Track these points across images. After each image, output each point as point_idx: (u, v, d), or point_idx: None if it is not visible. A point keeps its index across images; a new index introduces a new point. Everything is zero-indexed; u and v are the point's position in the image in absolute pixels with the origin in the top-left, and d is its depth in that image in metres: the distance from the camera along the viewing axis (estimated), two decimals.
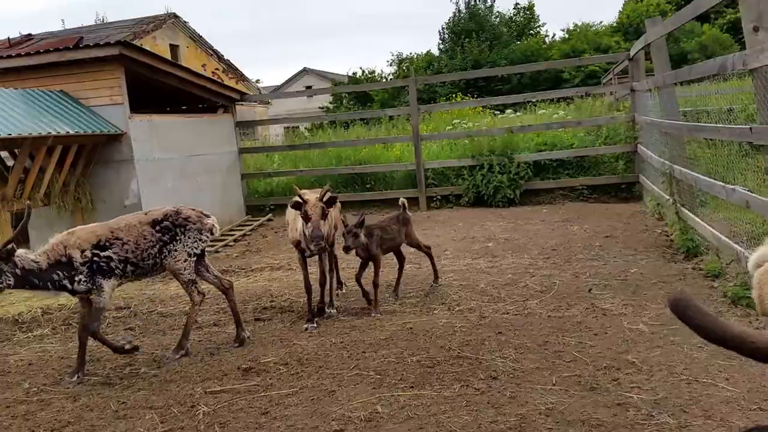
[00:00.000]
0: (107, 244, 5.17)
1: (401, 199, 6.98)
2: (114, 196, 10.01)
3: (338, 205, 6.58)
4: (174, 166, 10.91)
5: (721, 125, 6.05)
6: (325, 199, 5.76)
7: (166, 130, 10.91)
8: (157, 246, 5.38)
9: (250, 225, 12.13)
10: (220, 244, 10.69)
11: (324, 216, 5.69)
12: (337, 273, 7.13)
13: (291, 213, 6.30)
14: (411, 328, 5.64)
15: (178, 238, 5.47)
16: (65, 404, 4.62)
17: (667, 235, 8.18)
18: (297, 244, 6.26)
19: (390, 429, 3.82)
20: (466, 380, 4.44)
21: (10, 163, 9.61)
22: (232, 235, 11.32)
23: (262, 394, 4.53)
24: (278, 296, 7.14)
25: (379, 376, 4.63)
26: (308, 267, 6.40)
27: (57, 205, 9.50)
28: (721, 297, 5.64)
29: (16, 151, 9.27)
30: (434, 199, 12.62)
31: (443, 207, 12.48)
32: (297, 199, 5.82)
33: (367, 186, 13.32)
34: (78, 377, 5.08)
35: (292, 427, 3.97)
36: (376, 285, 6.29)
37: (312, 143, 14.99)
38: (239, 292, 7.44)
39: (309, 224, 5.63)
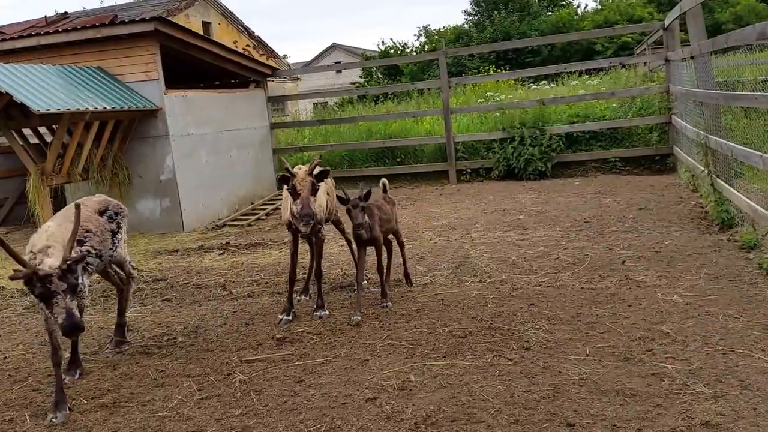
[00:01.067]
0: (83, 238, 4.59)
1: (383, 179, 6.36)
2: (150, 171, 10.18)
3: (332, 181, 6.08)
4: (208, 141, 11.04)
5: (758, 93, 5.92)
6: (315, 173, 5.23)
7: (200, 106, 11.02)
8: (110, 236, 5.00)
9: (281, 199, 12.21)
10: (253, 218, 10.82)
11: (314, 191, 5.17)
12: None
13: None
14: (442, 299, 5.68)
15: (121, 226, 5.15)
16: (105, 373, 4.74)
17: (702, 207, 8.06)
18: (289, 226, 5.63)
19: (423, 397, 3.87)
20: (498, 350, 4.46)
21: (49, 138, 9.81)
22: (264, 209, 11.44)
23: (297, 363, 4.61)
24: None
25: (411, 346, 4.68)
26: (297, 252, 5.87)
27: (95, 180, 9.70)
28: (757, 269, 5.57)
29: (54, 126, 9.45)
30: (464, 172, 12.58)
31: (473, 180, 12.44)
32: (284, 172, 5.24)
33: (398, 160, 13.32)
34: (67, 412, 4.11)
35: (326, 395, 4.04)
36: (381, 270, 5.75)
37: (342, 118, 15.01)
38: (272, 264, 7.56)
39: (297, 201, 5.08)
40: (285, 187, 5.28)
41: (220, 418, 3.86)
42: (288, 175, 5.20)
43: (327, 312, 5.58)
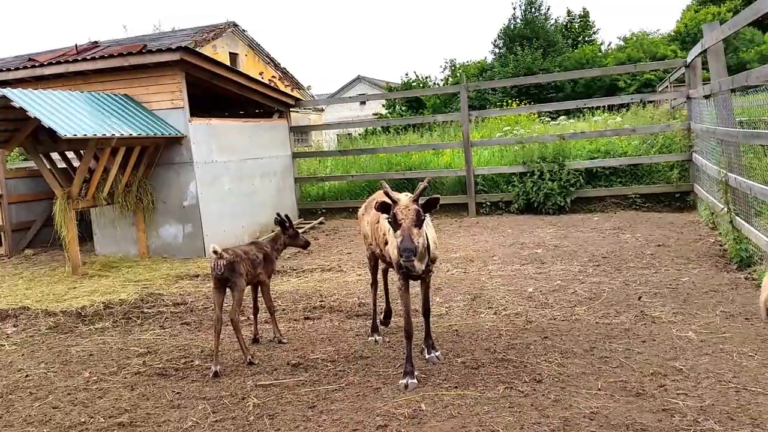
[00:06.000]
0: None
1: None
2: (173, 197, 10.37)
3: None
4: (231, 168, 11.23)
5: None
6: (421, 201, 4.46)
7: (224, 134, 11.25)
8: None
9: (302, 228, 12.35)
10: None
11: (419, 223, 4.33)
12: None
13: (365, 219, 5.52)
14: (456, 330, 5.71)
15: None
16: (123, 393, 4.83)
17: (721, 245, 8.03)
18: (398, 267, 4.68)
19: (433, 426, 3.89)
20: (510, 382, 4.48)
21: (76, 163, 10.05)
22: None
23: (310, 388, 4.66)
24: (328, 296, 7.29)
25: (423, 376, 4.71)
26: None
27: (120, 204, 9.91)
28: None
29: (81, 151, 9.68)
30: (483, 205, 12.64)
31: (492, 213, 12.49)
32: (384, 198, 4.54)
33: None
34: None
35: (338, 421, 4.08)
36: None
37: (363, 149, 15.20)
38: (290, 292, 7.64)
39: (398, 233, 4.31)
40: (385, 216, 4.57)
41: None
42: (389, 201, 4.48)
43: (439, 352, 5.07)
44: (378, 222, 5.20)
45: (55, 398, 4.82)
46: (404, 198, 4.44)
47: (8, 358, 5.86)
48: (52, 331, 6.65)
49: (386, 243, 4.90)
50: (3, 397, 4.91)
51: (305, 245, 6.23)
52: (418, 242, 4.31)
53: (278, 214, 6.12)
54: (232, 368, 5.20)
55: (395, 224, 4.34)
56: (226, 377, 5.01)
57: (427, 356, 5.02)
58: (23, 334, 6.63)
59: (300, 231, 11.90)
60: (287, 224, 6.03)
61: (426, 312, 5.10)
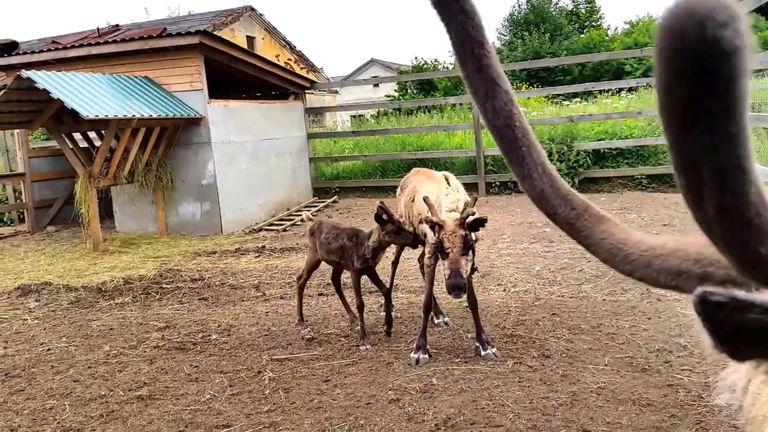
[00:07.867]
0: None
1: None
2: (192, 176, 10.53)
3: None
4: (247, 148, 11.38)
5: None
6: (468, 221, 4.21)
7: (241, 115, 11.38)
8: None
9: (317, 206, 12.51)
10: (288, 223, 11.07)
11: (467, 250, 4.17)
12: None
13: (401, 199, 5.45)
14: (467, 306, 5.79)
15: None
16: (142, 366, 4.97)
17: None
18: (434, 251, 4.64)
19: (444, 400, 4.02)
20: (519, 358, 4.60)
21: (97, 143, 10.22)
22: (300, 215, 11.70)
23: (324, 363, 4.79)
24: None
25: (434, 351, 4.84)
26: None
27: (140, 183, 10.08)
28: None
29: (103, 131, 9.85)
30: (493, 185, 12.71)
31: (502, 193, 12.57)
32: (429, 216, 4.30)
33: None
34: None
35: (352, 395, 4.20)
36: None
37: (376, 130, 15.27)
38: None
39: (446, 263, 4.13)
40: (428, 233, 4.42)
41: (250, 414, 4.04)
42: (434, 222, 4.26)
43: (495, 349, 4.73)
44: (413, 201, 5.16)
45: (76, 371, 4.95)
46: (450, 221, 4.20)
47: (30, 332, 6.02)
48: (74, 306, 6.81)
49: (420, 222, 4.71)
50: (26, 370, 5.05)
51: (413, 243, 4.90)
52: (466, 274, 4.13)
53: (380, 204, 4.84)
54: (248, 343, 5.34)
55: (442, 252, 4.17)
56: (242, 351, 5.14)
57: (483, 353, 4.65)
58: (45, 308, 6.80)
59: (314, 209, 12.07)
60: (385, 217, 4.77)
61: (473, 305, 4.78)
